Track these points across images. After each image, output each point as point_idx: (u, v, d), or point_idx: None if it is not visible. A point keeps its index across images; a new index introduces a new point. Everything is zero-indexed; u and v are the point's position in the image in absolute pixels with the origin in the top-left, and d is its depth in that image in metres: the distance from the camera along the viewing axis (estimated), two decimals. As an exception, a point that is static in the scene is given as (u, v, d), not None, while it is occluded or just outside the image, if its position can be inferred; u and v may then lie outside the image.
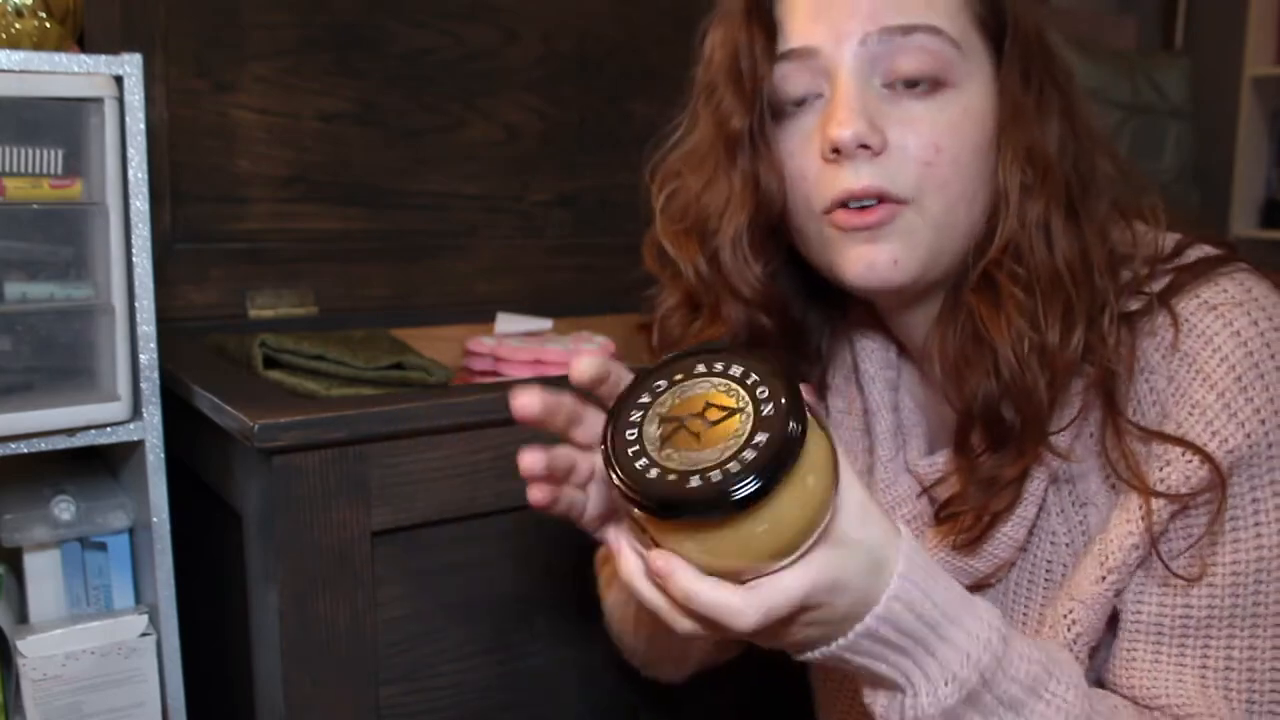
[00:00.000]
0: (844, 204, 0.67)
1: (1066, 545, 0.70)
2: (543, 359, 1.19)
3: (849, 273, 0.69)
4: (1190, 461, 0.63)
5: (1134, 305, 0.67)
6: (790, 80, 0.70)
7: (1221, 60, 2.66)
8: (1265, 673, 0.64)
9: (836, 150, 0.66)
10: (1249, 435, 0.62)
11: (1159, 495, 0.64)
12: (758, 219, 0.74)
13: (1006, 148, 0.67)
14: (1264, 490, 0.63)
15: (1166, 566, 0.65)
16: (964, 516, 0.69)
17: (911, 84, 0.66)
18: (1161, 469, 0.64)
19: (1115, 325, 0.66)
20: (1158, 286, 0.67)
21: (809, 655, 0.58)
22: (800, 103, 0.70)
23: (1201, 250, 0.69)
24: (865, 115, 0.66)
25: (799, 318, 0.80)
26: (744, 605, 0.53)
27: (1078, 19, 2.63)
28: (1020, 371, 0.65)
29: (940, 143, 0.66)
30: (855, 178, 0.66)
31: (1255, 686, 0.63)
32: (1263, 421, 0.62)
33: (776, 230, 0.75)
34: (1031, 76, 0.68)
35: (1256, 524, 0.63)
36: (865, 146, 0.66)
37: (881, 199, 0.66)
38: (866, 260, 0.68)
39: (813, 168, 0.69)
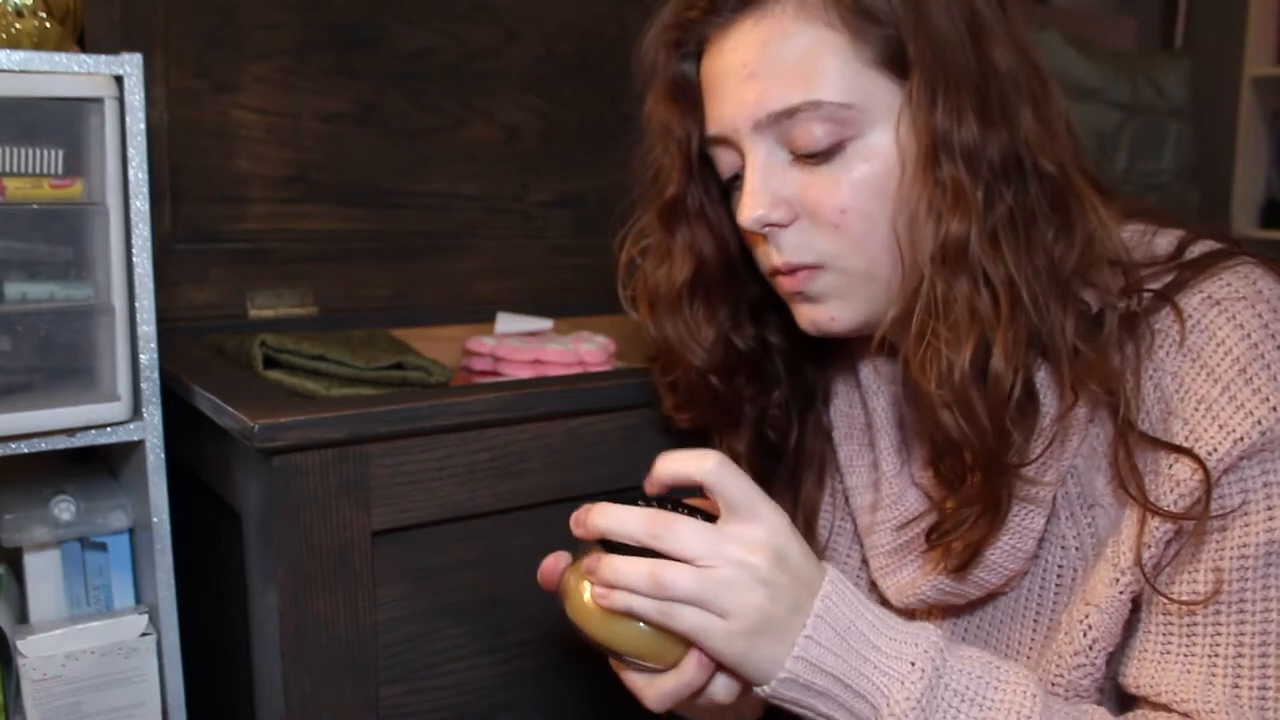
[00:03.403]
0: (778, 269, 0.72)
1: (1076, 549, 0.70)
2: (543, 359, 1.19)
3: (800, 325, 0.74)
4: (1193, 469, 0.62)
5: (1135, 306, 0.66)
6: (720, 160, 0.74)
7: (1221, 60, 2.66)
8: (1277, 659, 0.63)
9: (748, 231, 0.71)
10: (1259, 422, 0.61)
11: (1158, 513, 0.64)
12: (697, 284, 0.79)
13: (916, 180, 0.66)
14: (1277, 475, 0.62)
15: (1151, 585, 0.65)
16: (950, 543, 0.70)
17: (812, 154, 0.68)
18: (1170, 470, 0.63)
19: (1116, 332, 0.65)
20: (1161, 284, 0.66)
21: (774, 682, 0.61)
22: (736, 178, 0.74)
23: (1204, 246, 0.68)
24: (768, 196, 0.69)
25: (764, 368, 0.83)
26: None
27: (1078, 19, 2.63)
28: (952, 417, 0.65)
29: (844, 204, 0.67)
30: (777, 254, 0.71)
31: (1268, 674, 0.62)
32: (1274, 408, 0.61)
33: (732, 281, 0.79)
34: (938, 96, 0.65)
35: (1269, 508, 0.62)
36: (774, 224, 0.70)
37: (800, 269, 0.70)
38: (809, 318, 0.73)
39: (751, 237, 0.74)
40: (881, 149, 0.67)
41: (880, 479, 0.78)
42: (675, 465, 0.64)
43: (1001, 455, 0.65)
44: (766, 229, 0.70)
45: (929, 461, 0.71)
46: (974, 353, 0.64)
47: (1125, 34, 2.75)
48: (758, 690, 0.62)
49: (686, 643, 0.62)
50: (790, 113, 0.67)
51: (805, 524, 0.85)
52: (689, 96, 0.75)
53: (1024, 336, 0.64)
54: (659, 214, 0.79)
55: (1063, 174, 0.67)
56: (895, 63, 0.67)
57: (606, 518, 0.63)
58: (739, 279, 0.80)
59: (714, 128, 0.72)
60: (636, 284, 0.85)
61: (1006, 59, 0.67)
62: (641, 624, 0.62)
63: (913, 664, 0.61)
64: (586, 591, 0.64)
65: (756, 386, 0.82)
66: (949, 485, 0.69)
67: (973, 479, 0.67)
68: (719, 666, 0.63)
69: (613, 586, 0.62)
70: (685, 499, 0.67)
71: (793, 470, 0.86)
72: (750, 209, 0.69)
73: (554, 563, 0.69)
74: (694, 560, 0.61)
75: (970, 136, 0.65)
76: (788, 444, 0.84)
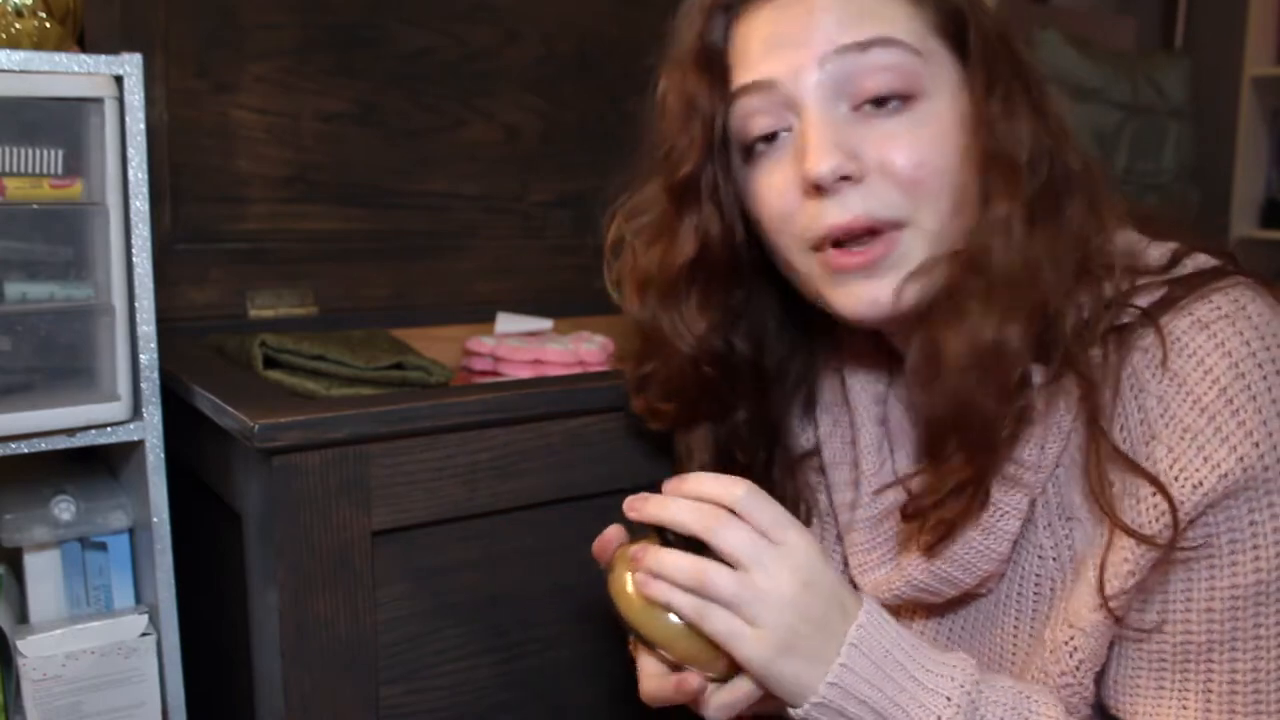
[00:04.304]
0: (835, 241, 0.67)
1: (1054, 560, 0.69)
2: (543, 359, 1.19)
3: (846, 310, 0.68)
4: (1160, 504, 0.62)
5: (1125, 319, 0.65)
6: (754, 118, 0.69)
7: (1221, 60, 2.66)
8: (1271, 694, 0.62)
9: (818, 186, 0.65)
10: (1242, 459, 0.60)
11: (1131, 534, 0.63)
12: (698, 267, 0.75)
13: (974, 154, 0.66)
14: (1262, 513, 0.61)
15: (1107, 608, 0.64)
16: (926, 518, 0.69)
17: (881, 102, 0.65)
18: (1152, 497, 0.63)
19: (1100, 339, 0.65)
20: (1150, 300, 0.65)
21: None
22: (770, 139, 0.69)
23: (1197, 261, 0.67)
24: (840, 145, 0.65)
25: (755, 358, 0.80)
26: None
27: (1078, 19, 2.63)
28: (962, 381, 0.64)
29: (924, 158, 0.65)
30: (842, 211, 0.65)
31: (1261, 709, 0.62)
32: (1256, 444, 0.60)
33: (732, 271, 0.76)
34: (997, 79, 0.66)
35: (1255, 547, 0.61)
36: (845, 178, 0.65)
37: (872, 230, 0.66)
38: (867, 298, 0.67)
39: (794, 205, 0.68)
40: (948, 109, 0.66)
41: (860, 477, 0.78)
42: (704, 487, 0.65)
43: (994, 427, 0.65)
44: (840, 182, 0.65)
45: (921, 440, 0.71)
46: (1006, 314, 0.64)
47: (1125, 34, 2.75)
48: (791, 712, 0.64)
49: (712, 646, 0.64)
50: (864, 46, 0.64)
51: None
52: (718, 68, 0.71)
53: (1038, 317, 0.65)
54: (670, 192, 0.75)
55: (1084, 169, 0.68)
56: (952, 34, 0.67)
57: (665, 509, 0.65)
58: (739, 268, 0.77)
59: (761, 73, 0.67)
60: (623, 265, 0.81)
61: (1021, 48, 0.68)
62: (674, 618, 0.64)
63: (948, 699, 0.62)
64: (629, 580, 0.66)
65: (745, 390, 0.81)
66: (933, 457, 0.69)
67: (960, 450, 0.67)
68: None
69: (656, 576, 0.63)
70: None
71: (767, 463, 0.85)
72: (823, 159, 0.64)
73: (613, 534, 0.70)
74: (739, 563, 0.62)
75: (1022, 123, 0.66)
76: (765, 448, 0.84)
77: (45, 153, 0.81)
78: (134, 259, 0.85)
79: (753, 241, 0.76)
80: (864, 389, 0.78)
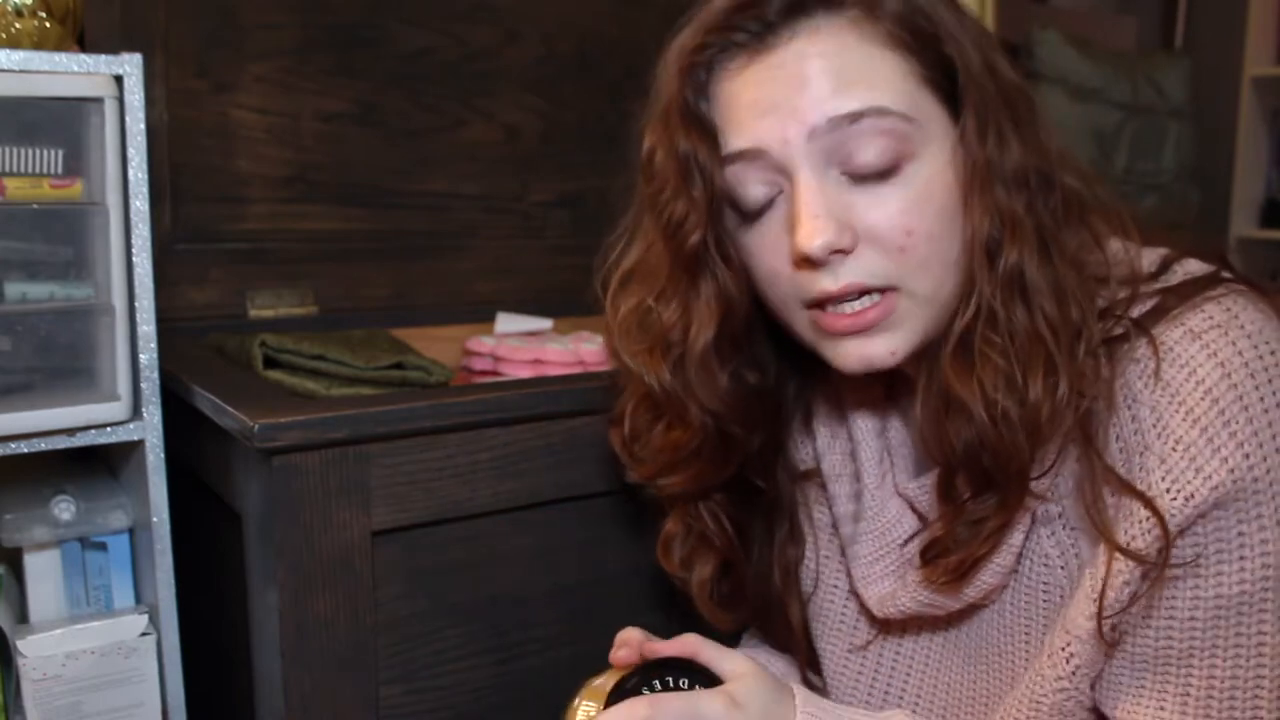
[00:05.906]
0: (822, 303, 0.67)
1: (1061, 568, 0.69)
2: (543, 359, 1.19)
3: (841, 366, 0.68)
4: (1151, 519, 0.62)
5: (1116, 330, 0.64)
6: (744, 183, 0.68)
7: (1221, 60, 2.67)
8: (1246, 699, 0.63)
9: (809, 259, 0.65)
10: (1232, 470, 0.60)
11: (1125, 554, 0.63)
12: (724, 331, 0.73)
13: (973, 207, 0.65)
14: (1250, 525, 0.61)
15: (1099, 623, 0.64)
16: (948, 559, 0.69)
17: (871, 170, 0.65)
18: (1143, 510, 0.62)
19: (1094, 356, 0.64)
20: (1141, 310, 0.65)
21: None
22: (762, 202, 0.68)
23: (1186, 267, 0.67)
24: (832, 218, 0.64)
25: (769, 397, 0.79)
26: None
27: (1078, 19, 2.63)
28: (996, 431, 0.64)
29: (910, 224, 0.64)
30: (833, 280, 0.65)
31: (1235, 714, 0.63)
32: (1246, 455, 0.60)
33: (749, 321, 0.74)
34: (989, 122, 0.65)
35: (1241, 558, 0.61)
36: (839, 250, 0.64)
37: (864, 292, 0.65)
38: (860, 355, 0.67)
39: (785, 267, 0.67)
40: (940, 167, 0.65)
41: (862, 490, 0.78)
42: (657, 646, 0.70)
43: (1028, 469, 0.65)
44: (831, 256, 0.65)
45: (940, 478, 0.70)
46: (1045, 369, 0.63)
47: (1125, 34, 2.76)
48: None
49: None
50: (854, 117, 0.63)
51: (791, 530, 0.84)
52: (707, 127, 0.69)
53: (1069, 350, 0.64)
54: (681, 263, 0.72)
55: (1080, 182, 0.68)
56: (942, 85, 0.66)
57: None
58: (755, 318, 0.75)
59: (750, 140, 0.66)
60: (629, 328, 0.78)
61: (1009, 72, 0.67)
62: None
63: None
64: None
65: (762, 422, 0.80)
66: (953, 499, 0.68)
67: (986, 493, 0.66)
68: None
69: None
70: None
71: (775, 497, 0.84)
72: (815, 234, 0.63)
73: (630, 637, 0.73)
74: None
75: (1016, 158, 0.65)
76: (774, 475, 0.83)
77: (45, 153, 0.81)
78: (134, 259, 0.85)
79: None
80: (861, 402, 0.78)
